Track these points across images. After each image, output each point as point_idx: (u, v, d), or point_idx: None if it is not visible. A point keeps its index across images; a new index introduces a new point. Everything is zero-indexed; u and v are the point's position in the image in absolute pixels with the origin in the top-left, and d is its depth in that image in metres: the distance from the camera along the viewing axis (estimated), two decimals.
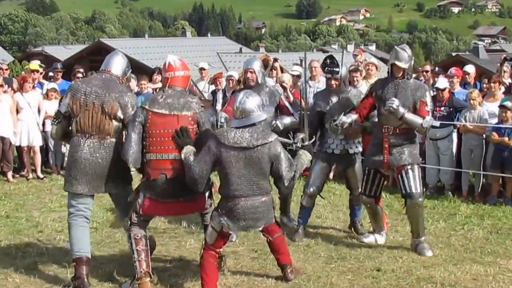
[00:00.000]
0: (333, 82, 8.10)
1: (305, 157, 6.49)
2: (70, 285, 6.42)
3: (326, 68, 8.11)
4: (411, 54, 7.57)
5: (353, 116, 7.74)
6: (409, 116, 7.40)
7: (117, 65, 6.82)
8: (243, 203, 6.03)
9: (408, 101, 7.43)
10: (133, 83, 12.47)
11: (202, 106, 6.48)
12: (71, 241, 6.55)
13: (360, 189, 7.96)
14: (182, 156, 6.12)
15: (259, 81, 8.31)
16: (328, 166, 8.29)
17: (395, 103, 7.33)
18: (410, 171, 7.51)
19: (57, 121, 6.68)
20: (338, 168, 8.36)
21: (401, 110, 7.36)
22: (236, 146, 5.99)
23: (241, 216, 6.05)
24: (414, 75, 8.04)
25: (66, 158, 12.22)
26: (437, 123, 10.44)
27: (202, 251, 6.23)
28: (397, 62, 7.43)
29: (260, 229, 6.28)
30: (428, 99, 7.57)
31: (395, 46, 7.66)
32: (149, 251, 6.40)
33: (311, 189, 8.23)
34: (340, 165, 8.35)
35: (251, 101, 6.15)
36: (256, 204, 6.06)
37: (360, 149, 8.34)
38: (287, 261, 6.58)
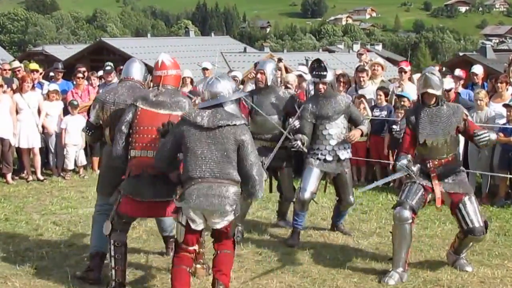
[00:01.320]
0: (321, 86, 8.05)
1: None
2: (83, 276, 6.65)
3: (314, 72, 8.06)
4: (441, 77, 6.98)
5: (405, 162, 6.89)
6: (495, 136, 7.07)
7: (137, 71, 7.00)
8: (199, 184, 5.73)
9: (446, 129, 6.88)
10: None
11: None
12: (92, 236, 6.86)
13: (399, 198, 7.06)
14: (159, 144, 6.10)
15: (269, 84, 8.35)
16: (320, 172, 8.20)
17: (489, 134, 6.84)
18: (467, 203, 6.96)
19: (90, 132, 6.96)
20: (330, 175, 8.28)
21: (493, 137, 6.94)
22: (198, 124, 5.80)
23: (193, 192, 5.72)
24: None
25: (67, 160, 12.26)
26: None
27: (173, 255, 6.06)
28: (430, 91, 6.81)
29: (219, 226, 5.81)
30: (469, 117, 7.19)
31: (425, 73, 6.91)
32: (126, 260, 6.41)
33: (306, 195, 8.10)
34: (331, 171, 8.29)
35: (222, 84, 5.98)
36: (214, 186, 5.72)
37: (350, 155, 8.35)
38: (224, 281, 5.90)
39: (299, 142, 7.80)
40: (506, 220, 9.37)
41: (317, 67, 7.99)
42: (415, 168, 6.90)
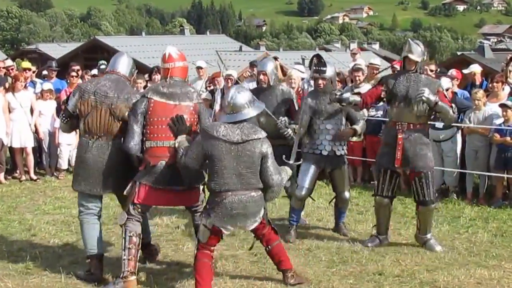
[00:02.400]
0: (320, 82, 8.21)
1: (285, 172, 6.57)
2: (84, 278, 6.70)
3: (314, 67, 8.19)
4: (424, 49, 7.69)
5: (356, 98, 7.88)
6: (442, 103, 7.55)
7: (123, 65, 7.02)
8: (231, 197, 6.07)
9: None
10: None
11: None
12: (84, 239, 6.86)
13: (374, 191, 8.08)
14: (176, 145, 6.32)
15: (271, 83, 8.52)
16: (317, 167, 8.30)
17: (425, 91, 7.44)
18: (423, 179, 7.71)
19: (65, 120, 6.94)
20: (326, 170, 8.37)
21: (433, 98, 7.48)
22: (226, 139, 6.07)
23: (228, 210, 6.08)
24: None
25: (61, 159, 12.25)
26: (440, 125, 10.46)
27: (195, 251, 6.31)
28: (410, 55, 7.57)
29: (252, 227, 6.29)
30: (444, 92, 7.83)
31: (409, 39, 7.87)
32: (139, 251, 6.54)
33: (302, 192, 8.25)
34: (328, 166, 8.37)
35: (242, 97, 6.24)
36: (245, 198, 6.10)
37: (346, 151, 8.48)
38: (287, 267, 6.60)
39: (289, 130, 8.01)
40: (503, 221, 9.39)
41: (317, 63, 8.15)
42: (350, 98, 7.81)
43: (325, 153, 8.22)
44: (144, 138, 6.49)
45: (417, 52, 7.59)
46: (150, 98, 6.48)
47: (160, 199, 6.60)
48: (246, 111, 6.22)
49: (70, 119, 6.91)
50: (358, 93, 8.15)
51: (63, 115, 6.98)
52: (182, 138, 6.36)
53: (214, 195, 6.15)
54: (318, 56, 8.22)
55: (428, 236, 7.96)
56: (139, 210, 6.55)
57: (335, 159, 8.29)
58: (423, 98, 7.45)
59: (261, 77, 8.61)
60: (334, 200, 8.71)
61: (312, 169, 8.25)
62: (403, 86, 7.66)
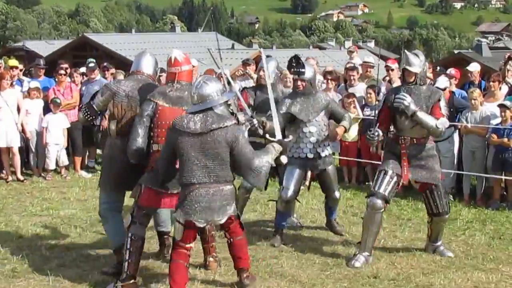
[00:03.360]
0: (299, 83, 8.17)
1: (273, 149, 6.41)
2: (114, 272, 6.82)
3: (292, 69, 8.15)
4: (424, 59, 7.51)
5: (380, 132, 7.55)
6: (422, 115, 7.31)
7: (148, 64, 7.16)
8: (197, 191, 6.05)
9: (424, 106, 7.40)
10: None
11: None
12: (110, 234, 7.05)
13: (370, 189, 7.69)
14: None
15: (271, 81, 8.43)
16: (302, 171, 8.33)
17: (406, 99, 7.28)
18: (435, 191, 7.64)
19: (88, 115, 7.05)
20: (313, 172, 8.41)
21: (413, 107, 7.28)
22: (189, 131, 6.03)
23: (193, 204, 6.05)
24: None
25: (48, 159, 12.20)
26: None
27: (171, 251, 6.32)
28: (407, 67, 7.40)
29: (222, 222, 6.23)
30: (443, 104, 7.57)
31: (406, 51, 7.62)
32: (140, 254, 6.60)
33: (288, 194, 8.22)
34: (314, 169, 8.41)
35: (210, 87, 6.16)
36: (211, 191, 6.07)
37: (331, 151, 8.53)
38: (245, 266, 6.53)
39: (254, 120, 7.64)
40: (501, 223, 9.41)
41: (296, 64, 8.08)
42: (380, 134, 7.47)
43: (310, 156, 8.24)
44: (151, 141, 6.57)
45: (415, 63, 7.39)
46: (157, 103, 6.54)
47: (165, 203, 6.63)
48: (212, 99, 6.14)
49: (93, 115, 7.07)
50: (353, 94, 8.18)
51: (88, 112, 7.04)
52: None
53: (183, 189, 6.15)
54: (296, 58, 8.17)
55: (439, 243, 7.92)
56: (144, 212, 6.60)
57: (320, 161, 8.31)
58: (402, 106, 7.28)
59: (261, 73, 8.62)
60: (324, 200, 8.78)
61: (297, 171, 8.26)
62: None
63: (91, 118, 7.11)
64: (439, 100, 7.51)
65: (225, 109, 6.29)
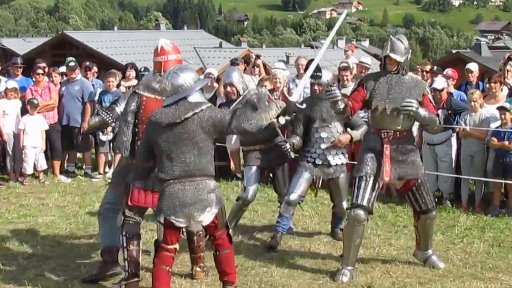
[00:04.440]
0: (316, 87, 8.31)
1: (275, 105, 6.04)
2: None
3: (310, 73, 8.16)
4: (408, 46, 7.32)
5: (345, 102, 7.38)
6: (429, 115, 7.17)
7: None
8: (173, 185, 5.97)
9: (404, 99, 7.11)
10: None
11: None
12: (104, 232, 7.12)
13: (352, 200, 7.43)
14: None
15: (241, 93, 8.54)
16: (310, 176, 8.37)
17: (413, 105, 7.02)
18: (421, 187, 7.45)
19: (112, 121, 7.03)
20: (323, 179, 8.44)
21: (422, 112, 7.11)
22: (162, 124, 5.96)
23: (170, 200, 5.97)
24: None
25: (26, 163, 12.17)
26: None
27: (154, 255, 6.27)
28: (391, 55, 7.17)
29: (204, 223, 6.06)
30: (430, 94, 7.46)
31: (391, 36, 7.41)
32: (139, 251, 6.67)
33: (293, 197, 8.29)
34: (323, 176, 8.44)
35: (181, 77, 6.02)
36: (188, 187, 5.97)
37: (345, 160, 8.50)
38: (231, 280, 6.33)
39: (288, 146, 7.63)
40: (500, 230, 9.44)
41: (316, 69, 8.12)
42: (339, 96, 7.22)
43: (318, 162, 8.30)
44: (136, 138, 6.60)
45: (399, 51, 7.17)
46: (142, 95, 6.56)
47: (154, 201, 6.62)
48: (185, 89, 6.00)
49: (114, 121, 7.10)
50: (345, 95, 8.12)
51: (109, 114, 7.03)
52: None
53: (160, 185, 6.11)
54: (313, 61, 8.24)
55: (430, 252, 7.77)
56: (134, 211, 6.66)
57: (330, 169, 8.37)
58: (411, 113, 7.05)
59: (228, 89, 8.70)
60: (332, 211, 8.89)
61: (305, 176, 8.32)
62: (384, 86, 7.28)
63: (112, 120, 7.04)
64: (426, 93, 7.34)
65: (200, 95, 6.11)
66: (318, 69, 8.12)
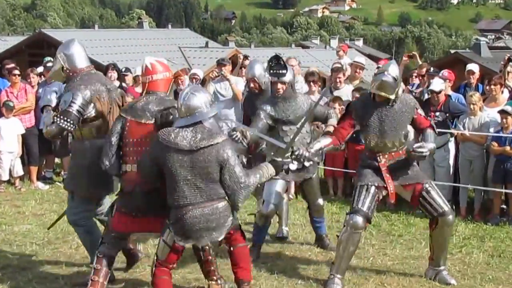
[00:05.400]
0: (279, 86, 8.16)
1: (267, 170, 6.57)
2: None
3: (271, 71, 8.15)
4: (398, 74, 7.29)
5: (326, 141, 7.56)
6: (433, 140, 7.44)
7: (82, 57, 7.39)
8: (192, 212, 6.13)
9: (399, 125, 7.37)
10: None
11: None
12: (92, 243, 7.15)
13: (352, 205, 7.47)
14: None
15: (263, 87, 8.71)
16: (284, 182, 8.38)
17: (424, 150, 7.22)
18: (430, 190, 7.46)
19: (69, 123, 6.90)
20: (296, 183, 8.48)
21: (431, 146, 7.33)
22: (177, 147, 6.09)
23: (190, 226, 6.15)
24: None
25: (1, 169, 12.14)
26: None
27: (153, 268, 6.40)
28: (382, 94, 7.25)
29: (220, 239, 6.34)
30: (420, 110, 7.58)
31: (377, 74, 7.37)
32: (108, 274, 6.67)
33: (269, 208, 8.28)
34: (297, 179, 8.49)
35: (198, 98, 6.20)
36: (207, 211, 6.16)
37: (317, 159, 8.57)
38: (245, 278, 6.64)
39: (238, 134, 7.56)
40: (501, 239, 9.46)
41: (275, 65, 8.08)
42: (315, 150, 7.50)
43: (292, 167, 8.24)
44: (121, 161, 6.64)
45: (390, 87, 7.21)
46: (125, 117, 6.62)
47: (138, 226, 6.69)
48: (201, 112, 6.19)
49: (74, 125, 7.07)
50: (338, 97, 8.21)
51: (68, 120, 6.93)
52: None
53: (174, 210, 6.20)
54: (276, 58, 8.17)
55: (442, 267, 7.68)
56: (114, 235, 6.70)
57: (304, 171, 8.37)
58: (425, 157, 7.34)
59: (252, 84, 8.83)
60: (308, 212, 8.91)
61: (279, 183, 8.30)
62: (376, 120, 7.39)
63: (72, 126, 6.92)
64: (416, 109, 7.49)
65: (214, 121, 6.33)
66: (282, 66, 8.07)
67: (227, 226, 6.30)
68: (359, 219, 7.25)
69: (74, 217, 7.28)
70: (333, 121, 8.38)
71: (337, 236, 7.49)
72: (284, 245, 8.96)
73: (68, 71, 7.19)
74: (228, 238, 6.49)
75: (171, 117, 6.49)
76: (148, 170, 6.31)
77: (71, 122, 6.86)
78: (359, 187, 7.44)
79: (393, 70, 7.27)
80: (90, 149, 7.01)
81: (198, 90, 6.34)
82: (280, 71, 8.07)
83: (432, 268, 7.69)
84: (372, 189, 7.37)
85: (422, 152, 7.20)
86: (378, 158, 7.45)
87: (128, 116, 6.59)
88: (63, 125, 6.86)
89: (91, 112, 6.98)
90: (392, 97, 7.23)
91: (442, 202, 7.43)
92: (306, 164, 8.26)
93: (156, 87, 6.71)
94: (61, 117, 6.87)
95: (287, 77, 8.12)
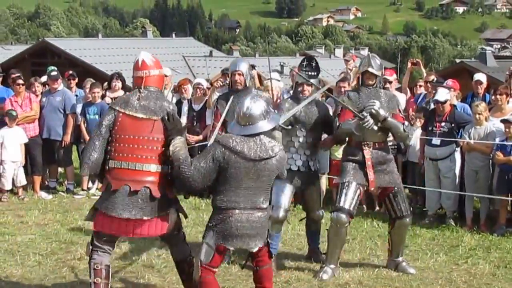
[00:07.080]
0: (305, 87, 8.28)
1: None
2: None
3: (301, 71, 8.24)
4: (381, 62, 8.30)
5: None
6: (391, 119, 7.99)
7: None
8: (238, 215, 6.21)
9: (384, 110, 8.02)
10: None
11: None
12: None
13: (335, 203, 8.15)
14: (171, 149, 6.26)
15: (247, 84, 8.60)
16: (292, 185, 8.35)
17: (376, 104, 7.85)
18: (398, 195, 8.23)
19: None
20: (300, 187, 8.43)
21: (382, 112, 7.91)
22: (243, 156, 6.15)
23: (234, 230, 6.21)
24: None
25: (4, 178, 12.15)
26: (438, 141, 10.53)
27: (199, 272, 6.31)
28: (370, 69, 8.07)
29: (255, 250, 6.35)
30: (401, 109, 8.43)
31: (368, 53, 8.54)
32: (109, 284, 6.48)
33: (281, 213, 8.26)
34: (302, 183, 8.44)
35: (258, 107, 6.30)
36: (251, 218, 6.25)
37: (318, 166, 8.68)
38: None
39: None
40: (507, 250, 9.44)
41: (307, 66, 8.17)
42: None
43: (302, 169, 8.28)
44: (108, 157, 6.39)
45: (376, 65, 8.11)
46: (119, 111, 6.39)
47: (122, 229, 6.43)
48: (262, 123, 6.30)
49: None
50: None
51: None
52: (179, 142, 6.33)
53: (218, 211, 6.26)
54: (310, 59, 8.30)
55: (400, 259, 8.42)
56: (104, 239, 6.48)
57: (310, 175, 8.40)
58: (373, 110, 7.85)
59: (237, 77, 8.59)
60: (305, 221, 8.85)
61: (288, 187, 8.31)
62: (364, 103, 8.04)
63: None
64: (396, 106, 8.29)
65: (270, 131, 6.48)
66: (314, 68, 8.31)
67: (263, 240, 6.39)
68: (343, 216, 7.96)
69: None
70: None
71: (327, 230, 8.17)
72: (288, 255, 8.95)
73: None
74: (255, 255, 6.45)
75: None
76: (204, 172, 6.18)
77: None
78: (341, 185, 8.13)
79: (377, 57, 8.35)
80: None
81: (258, 99, 6.42)
82: (311, 73, 8.24)
83: (392, 260, 8.44)
84: (353, 185, 8.04)
85: (372, 106, 7.84)
86: (363, 146, 8.09)
87: (124, 110, 6.39)
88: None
89: None
90: (378, 73, 8.10)
91: (404, 208, 8.24)
92: (313, 168, 8.41)
93: (152, 83, 6.55)
94: None
95: (315, 80, 8.28)
